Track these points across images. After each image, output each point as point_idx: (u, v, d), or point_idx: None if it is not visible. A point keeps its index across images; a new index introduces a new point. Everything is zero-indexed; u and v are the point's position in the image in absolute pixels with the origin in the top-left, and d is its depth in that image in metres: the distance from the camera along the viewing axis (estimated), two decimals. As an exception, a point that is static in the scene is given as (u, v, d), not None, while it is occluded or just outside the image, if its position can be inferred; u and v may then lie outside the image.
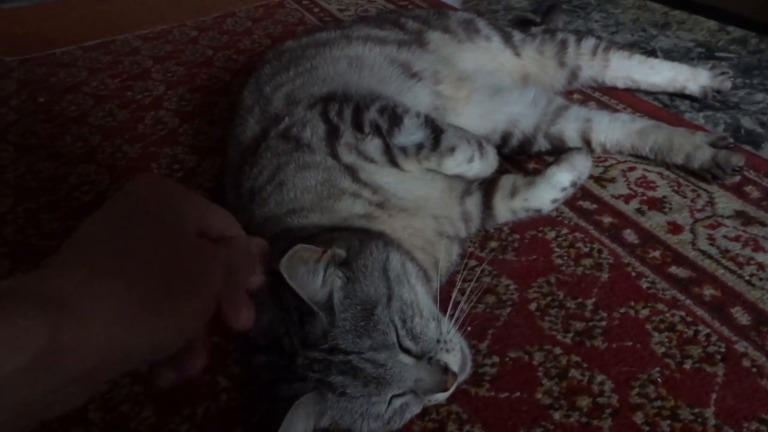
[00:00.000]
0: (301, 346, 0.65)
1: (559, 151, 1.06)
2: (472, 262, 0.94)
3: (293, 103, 0.94)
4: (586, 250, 0.95)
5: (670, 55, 1.48)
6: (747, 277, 0.88)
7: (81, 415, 0.78)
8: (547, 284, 0.90)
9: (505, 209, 0.99)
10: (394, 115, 0.88)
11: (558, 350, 0.80)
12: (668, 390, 0.74)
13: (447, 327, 0.70)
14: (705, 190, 1.04)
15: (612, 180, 1.08)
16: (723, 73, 1.28)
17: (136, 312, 0.41)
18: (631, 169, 1.10)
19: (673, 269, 0.90)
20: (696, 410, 0.72)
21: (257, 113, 0.97)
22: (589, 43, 1.26)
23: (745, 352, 0.77)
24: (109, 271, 0.42)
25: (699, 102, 1.28)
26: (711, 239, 0.94)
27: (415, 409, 0.69)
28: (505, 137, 1.10)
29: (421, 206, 0.87)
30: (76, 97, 1.56)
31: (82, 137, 1.39)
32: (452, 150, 0.89)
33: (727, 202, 1.01)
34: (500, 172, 1.01)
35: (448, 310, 0.73)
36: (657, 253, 0.93)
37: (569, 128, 1.10)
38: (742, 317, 0.82)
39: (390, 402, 0.65)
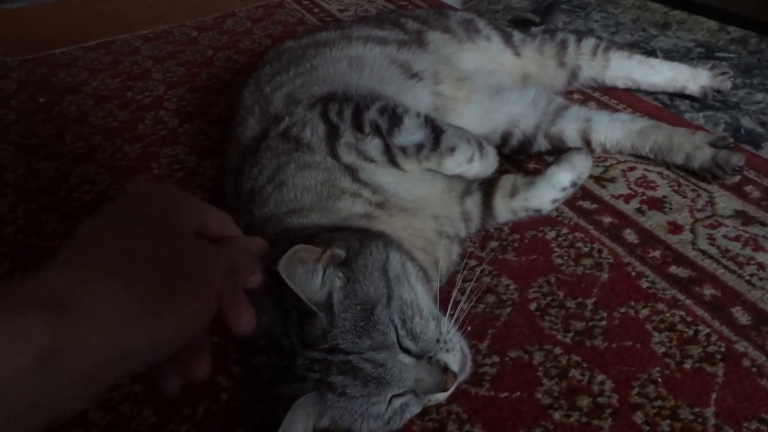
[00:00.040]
0: (301, 346, 0.65)
1: (559, 151, 1.06)
2: (472, 262, 0.94)
3: (293, 103, 0.94)
4: (586, 249, 0.95)
5: (670, 55, 1.48)
6: (747, 277, 0.88)
7: (81, 415, 0.78)
8: (547, 284, 0.90)
9: (505, 209, 0.99)
10: (394, 115, 0.88)
11: (558, 350, 0.80)
12: (668, 390, 0.74)
13: (447, 327, 0.70)
14: (705, 189, 1.04)
15: (612, 180, 1.08)
16: (723, 73, 1.28)
17: (136, 311, 0.41)
18: (631, 168, 1.10)
19: (673, 269, 0.90)
20: (696, 410, 0.72)
21: (257, 113, 0.97)
22: (589, 43, 1.26)
23: (745, 352, 0.77)
24: (109, 271, 0.42)
25: (699, 102, 1.28)
26: (711, 239, 0.94)
27: (415, 409, 0.69)
28: (505, 137, 1.10)
29: (421, 206, 0.87)
30: (76, 97, 1.56)
31: (82, 137, 1.39)
32: (452, 150, 0.89)
33: (727, 202, 1.01)
34: (500, 172, 1.01)
35: (448, 309, 0.73)
36: (657, 253, 0.93)
37: (569, 128, 1.10)
38: (742, 317, 0.82)
39: (390, 402, 0.65)
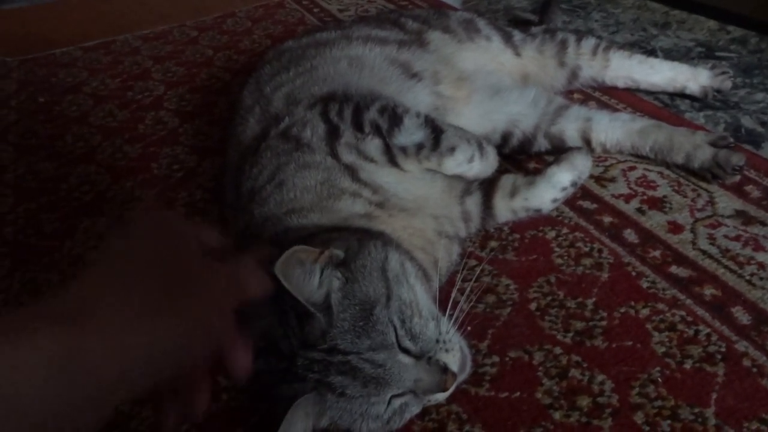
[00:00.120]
0: (300, 347, 0.65)
1: (559, 151, 1.06)
2: (472, 262, 0.93)
3: (293, 103, 0.94)
4: (587, 249, 0.95)
5: (670, 55, 1.48)
6: (747, 277, 0.88)
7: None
8: (547, 284, 0.90)
9: (505, 209, 0.99)
10: (394, 115, 0.88)
11: (558, 350, 0.80)
12: (668, 390, 0.74)
13: (446, 327, 0.70)
14: (705, 189, 1.04)
15: (612, 179, 1.08)
16: (723, 73, 1.28)
17: (145, 321, 0.44)
18: (632, 168, 1.10)
19: (674, 269, 0.90)
20: (696, 410, 0.72)
21: (257, 113, 0.97)
22: (589, 42, 1.26)
23: (745, 352, 0.77)
24: (119, 286, 0.45)
25: (699, 101, 1.28)
26: (711, 239, 0.94)
27: (415, 409, 0.69)
28: (506, 137, 1.10)
29: (421, 206, 0.87)
30: (76, 97, 1.56)
31: (82, 137, 1.39)
32: (452, 150, 0.88)
33: (727, 202, 1.01)
34: (500, 171, 1.01)
35: (448, 309, 0.73)
36: (657, 253, 0.93)
37: (569, 128, 1.09)
38: (743, 317, 0.82)
39: (389, 402, 0.65)
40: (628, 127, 1.09)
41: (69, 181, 1.25)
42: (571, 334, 0.82)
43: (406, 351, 0.66)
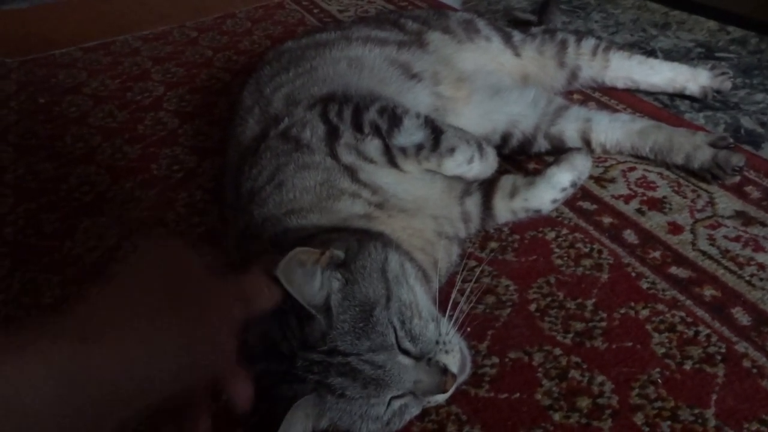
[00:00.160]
0: (300, 348, 0.65)
1: (559, 152, 1.06)
2: (472, 263, 0.93)
3: (293, 103, 0.94)
4: (586, 250, 0.95)
5: (670, 56, 1.48)
6: (747, 278, 0.87)
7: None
8: (546, 285, 0.90)
9: (504, 209, 0.99)
10: (394, 116, 0.88)
11: (558, 351, 0.80)
12: (668, 391, 0.74)
13: (446, 328, 0.70)
14: (705, 190, 1.04)
15: (612, 180, 1.08)
16: (723, 74, 1.28)
17: (153, 338, 0.45)
18: (631, 169, 1.10)
19: (674, 270, 0.90)
20: (696, 411, 0.72)
21: (257, 114, 0.97)
22: (589, 43, 1.26)
23: (745, 353, 0.77)
24: (127, 305, 0.46)
25: (699, 102, 1.28)
26: (711, 239, 0.94)
27: (415, 411, 0.69)
28: (505, 137, 1.10)
29: (420, 207, 0.87)
30: (76, 98, 1.56)
31: (82, 138, 1.39)
32: (452, 151, 0.88)
33: (727, 203, 1.01)
34: (500, 172, 1.01)
35: (448, 310, 0.73)
36: (657, 254, 0.93)
37: (569, 128, 1.09)
38: (743, 318, 0.82)
39: (389, 403, 0.65)
40: (627, 127, 1.09)
41: (69, 182, 1.25)
42: (570, 335, 0.82)
43: (405, 352, 0.66)
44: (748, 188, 1.03)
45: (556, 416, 0.73)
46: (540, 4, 1.61)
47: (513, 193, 0.99)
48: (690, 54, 1.48)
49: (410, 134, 0.87)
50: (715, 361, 0.77)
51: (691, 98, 1.29)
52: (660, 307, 0.84)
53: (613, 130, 1.09)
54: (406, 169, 0.87)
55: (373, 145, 0.86)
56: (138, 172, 1.26)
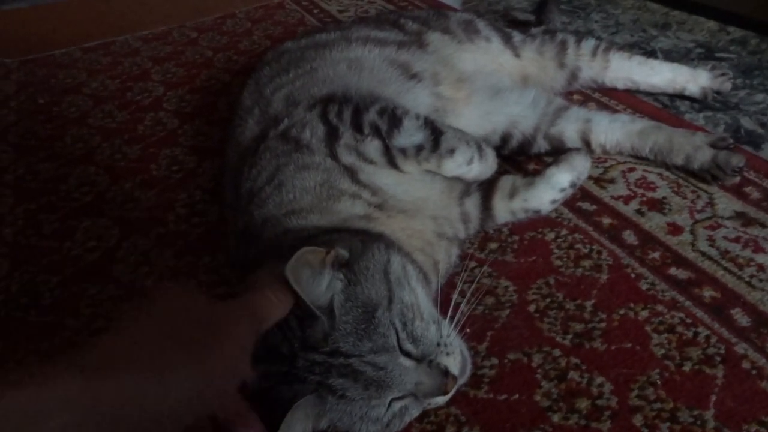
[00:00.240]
0: (301, 349, 0.65)
1: (558, 152, 1.06)
2: (472, 264, 0.93)
3: (293, 104, 0.94)
4: (586, 251, 0.95)
5: (670, 56, 1.48)
6: (747, 279, 0.87)
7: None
8: (546, 285, 0.90)
9: (504, 210, 0.99)
10: (394, 117, 0.88)
11: (557, 352, 0.80)
12: (668, 392, 0.74)
13: (447, 330, 0.70)
14: (705, 191, 1.04)
15: (612, 181, 1.08)
16: (723, 74, 1.28)
17: (168, 370, 0.47)
18: (631, 170, 1.10)
19: (673, 270, 0.90)
20: (695, 412, 0.72)
21: (257, 114, 0.97)
22: (588, 44, 1.26)
23: (744, 354, 0.77)
24: (144, 341, 0.48)
25: (699, 103, 1.28)
26: (711, 240, 0.94)
27: (415, 412, 0.69)
28: (505, 138, 1.10)
29: (420, 207, 0.87)
30: (75, 98, 1.56)
31: (81, 138, 1.39)
32: (452, 152, 0.88)
33: (727, 203, 1.01)
34: (500, 173, 1.01)
35: (449, 312, 0.73)
36: (657, 255, 0.93)
37: (569, 129, 1.09)
38: (742, 319, 0.82)
39: (389, 405, 0.65)
40: (627, 128, 1.09)
41: (68, 182, 1.25)
42: (570, 336, 0.82)
43: (407, 354, 0.66)
44: (748, 189, 1.03)
45: (555, 417, 0.73)
46: (537, 4, 1.61)
47: (512, 194, 0.99)
48: (690, 54, 1.48)
49: (410, 135, 0.87)
50: (714, 363, 0.77)
51: (691, 99, 1.29)
52: (659, 308, 0.84)
53: (612, 130, 1.09)
54: (405, 169, 0.87)
55: (372, 146, 0.86)
56: (137, 172, 1.26)
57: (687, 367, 0.77)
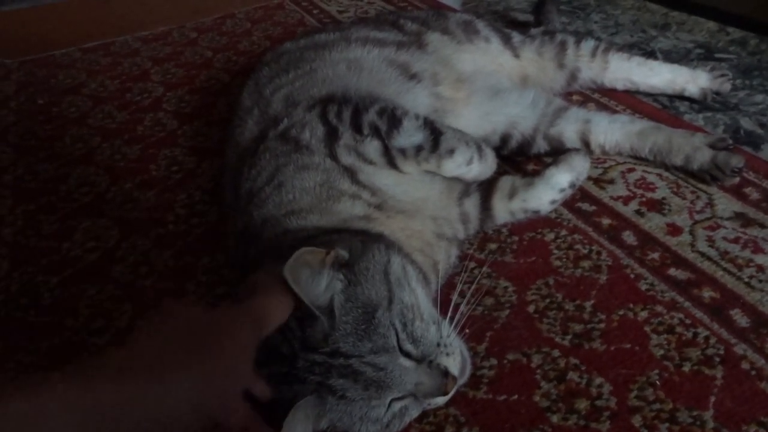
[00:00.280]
0: (301, 349, 0.65)
1: (558, 153, 1.06)
2: (471, 264, 0.93)
3: (292, 104, 0.94)
4: (585, 251, 0.95)
5: (669, 57, 1.48)
6: (746, 279, 0.88)
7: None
8: (545, 286, 0.90)
9: (503, 210, 0.99)
10: (393, 117, 0.88)
11: (556, 352, 0.80)
12: (667, 393, 0.74)
13: (447, 330, 0.70)
14: (704, 191, 1.04)
15: (611, 181, 1.08)
16: (722, 75, 1.28)
17: (178, 374, 0.48)
18: (630, 170, 1.10)
19: (672, 271, 0.90)
20: (695, 413, 0.72)
21: (256, 115, 0.97)
22: (588, 44, 1.26)
23: (744, 355, 0.77)
24: (155, 350, 0.50)
25: (698, 103, 1.28)
26: (710, 241, 0.94)
27: (415, 413, 0.69)
28: (505, 138, 1.10)
29: (419, 208, 0.87)
30: (75, 98, 1.56)
31: (81, 138, 1.39)
32: (451, 152, 0.88)
33: (726, 204, 1.01)
34: (499, 173, 1.01)
35: (448, 313, 0.73)
36: (656, 255, 0.93)
37: (568, 129, 1.09)
38: (742, 319, 0.82)
39: (389, 405, 0.65)
40: (627, 128, 1.09)
41: (68, 182, 1.25)
42: (569, 337, 0.82)
43: (407, 354, 0.66)
44: (748, 189, 1.03)
45: (555, 418, 0.73)
46: (535, 5, 1.61)
47: (512, 194, 0.99)
48: (690, 55, 1.48)
49: (409, 135, 0.87)
50: (713, 363, 0.77)
51: (691, 99, 1.29)
52: (659, 308, 0.85)
53: (612, 131, 1.09)
54: (405, 170, 0.87)
55: (372, 147, 0.86)
56: (137, 172, 1.26)
57: (686, 368, 0.77)
